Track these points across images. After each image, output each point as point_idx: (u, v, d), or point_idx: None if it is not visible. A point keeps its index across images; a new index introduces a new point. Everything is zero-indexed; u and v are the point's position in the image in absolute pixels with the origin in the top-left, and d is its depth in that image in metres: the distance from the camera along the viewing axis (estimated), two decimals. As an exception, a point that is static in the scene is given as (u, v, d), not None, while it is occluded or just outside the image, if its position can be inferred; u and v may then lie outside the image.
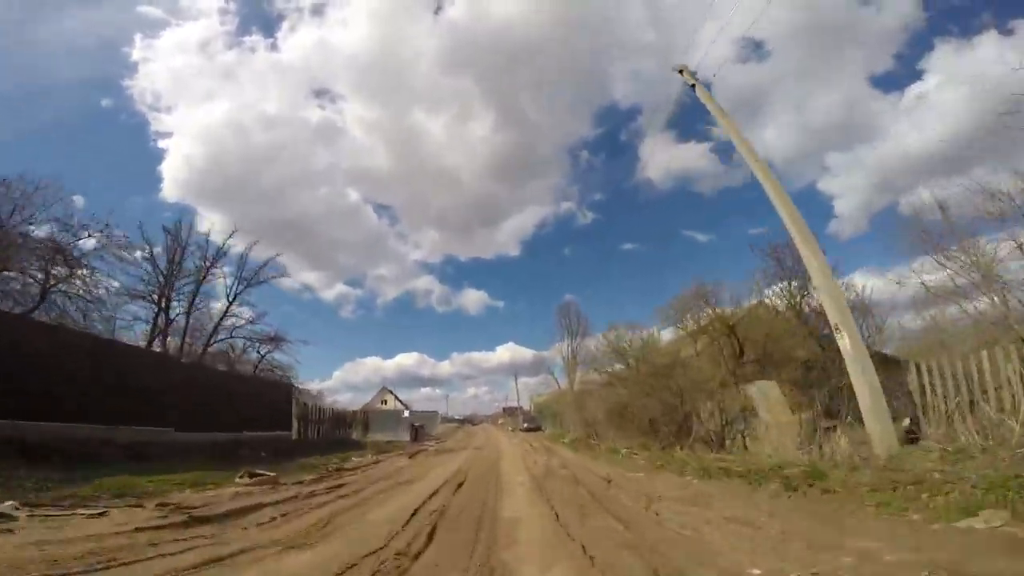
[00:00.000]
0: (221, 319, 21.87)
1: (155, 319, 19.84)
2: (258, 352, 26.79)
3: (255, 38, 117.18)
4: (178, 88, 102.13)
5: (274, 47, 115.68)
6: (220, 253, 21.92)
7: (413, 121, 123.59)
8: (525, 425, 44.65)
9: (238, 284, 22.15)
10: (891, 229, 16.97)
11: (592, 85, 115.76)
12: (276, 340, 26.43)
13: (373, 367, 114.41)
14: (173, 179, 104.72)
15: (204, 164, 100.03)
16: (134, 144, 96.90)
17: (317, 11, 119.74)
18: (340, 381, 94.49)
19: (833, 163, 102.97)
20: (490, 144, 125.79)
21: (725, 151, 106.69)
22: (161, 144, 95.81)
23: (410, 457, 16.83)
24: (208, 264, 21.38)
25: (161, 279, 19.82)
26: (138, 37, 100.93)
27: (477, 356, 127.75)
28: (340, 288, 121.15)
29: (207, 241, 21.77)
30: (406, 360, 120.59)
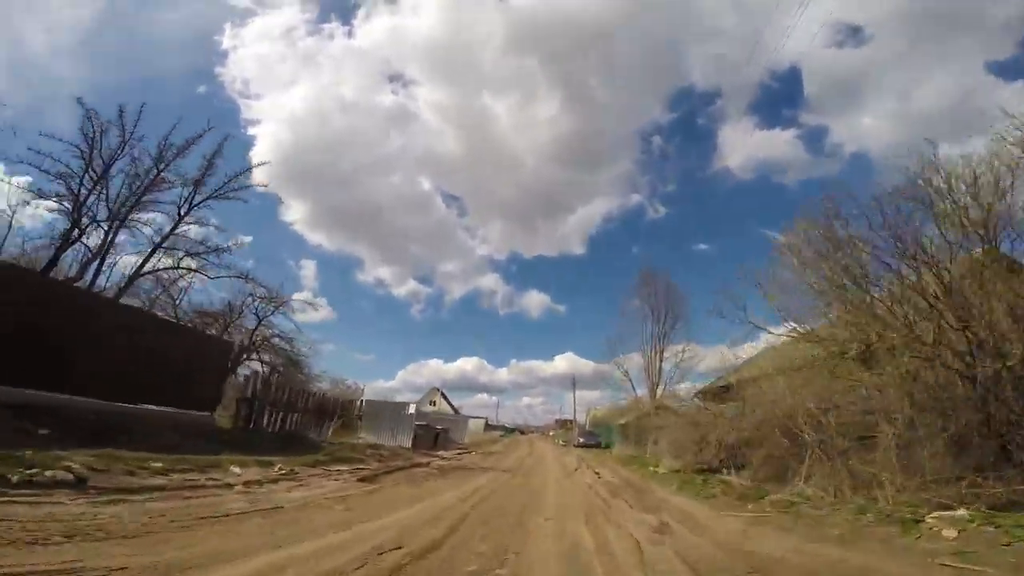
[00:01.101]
0: (163, 240, 15.01)
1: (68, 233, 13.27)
2: (255, 313, 20.24)
3: (333, 25, 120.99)
4: (264, 75, 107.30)
5: (350, 34, 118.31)
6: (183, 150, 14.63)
7: (482, 104, 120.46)
8: (580, 440, 35.18)
9: (195, 191, 15.07)
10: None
11: (666, 66, 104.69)
12: (272, 299, 19.75)
13: (435, 369, 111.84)
14: (262, 166, 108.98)
15: (288, 151, 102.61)
16: (228, 130, 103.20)
17: None
18: (402, 381, 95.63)
19: (945, 156, 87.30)
20: (557, 127, 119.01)
21: (814, 138, 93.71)
22: (251, 131, 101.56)
23: (363, 481, 8.59)
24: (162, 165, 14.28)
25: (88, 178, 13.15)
26: (228, 26, 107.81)
27: (535, 364, 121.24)
28: (411, 285, 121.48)
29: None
30: (466, 364, 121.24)
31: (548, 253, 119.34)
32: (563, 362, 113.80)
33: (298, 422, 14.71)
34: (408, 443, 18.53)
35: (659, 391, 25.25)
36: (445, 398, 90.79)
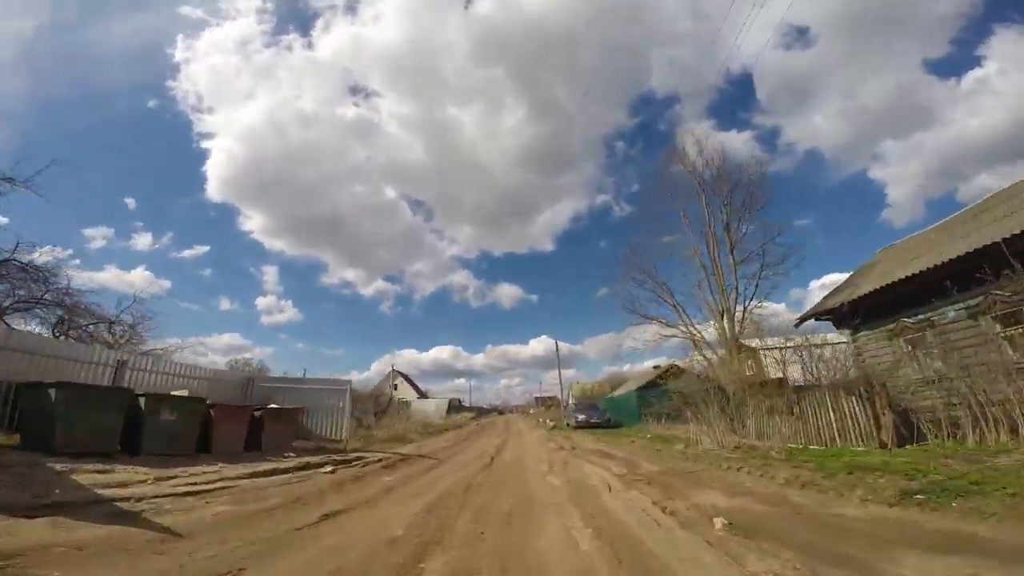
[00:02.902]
0: None
1: None
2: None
3: (291, 36, 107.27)
4: (219, 88, 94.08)
5: (309, 45, 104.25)
6: None
7: (446, 114, 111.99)
8: (579, 418, 24.33)
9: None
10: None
11: (628, 73, 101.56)
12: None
13: (410, 359, 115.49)
14: (217, 178, 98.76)
15: (245, 163, 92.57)
16: (179, 145, 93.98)
17: (350, 8, 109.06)
18: (377, 372, 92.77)
19: (886, 150, 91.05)
20: (523, 135, 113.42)
21: (769, 138, 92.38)
22: (204, 145, 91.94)
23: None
24: None
25: None
26: (180, 38, 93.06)
27: (511, 349, 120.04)
28: (378, 284, 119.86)
29: None
30: (441, 353, 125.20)
31: (518, 250, 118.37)
32: (539, 345, 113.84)
33: None
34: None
35: (738, 320, 14.87)
36: (409, 381, 79.90)
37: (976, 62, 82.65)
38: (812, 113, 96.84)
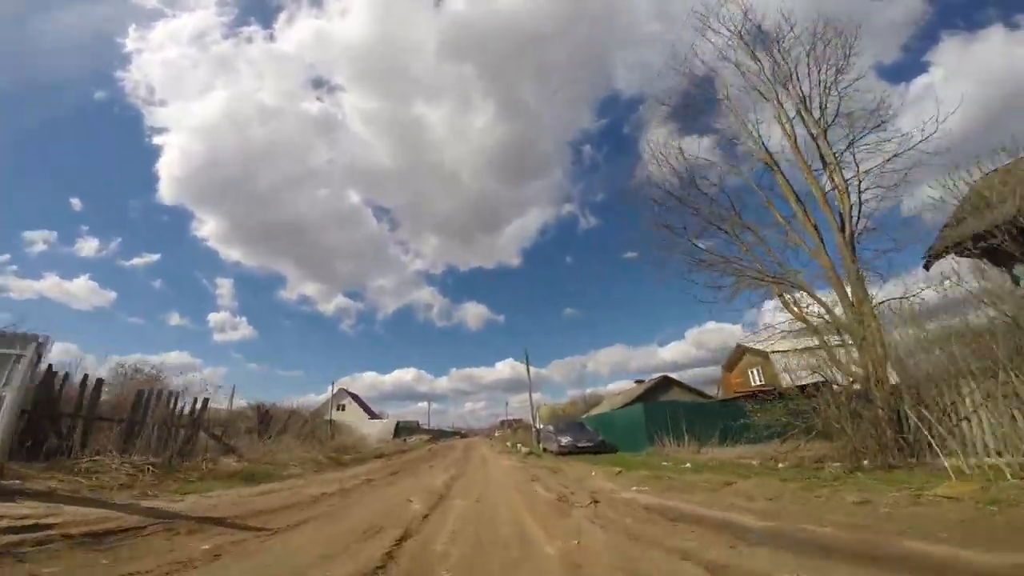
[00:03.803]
0: None
1: None
2: None
3: (252, 28, 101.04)
4: (173, 80, 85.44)
5: (271, 37, 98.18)
6: None
7: (413, 113, 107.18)
8: (564, 441, 17.06)
9: None
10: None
11: (594, 74, 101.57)
12: None
13: (370, 382, 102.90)
14: (170, 178, 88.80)
15: (200, 162, 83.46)
16: (129, 140, 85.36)
17: (315, 1, 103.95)
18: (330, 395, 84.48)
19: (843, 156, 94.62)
20: (491, 136, 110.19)
21: (730, 145, 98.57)
22: (156, 140, 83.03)
23: None
24: None
25: None
26: (132, 28, 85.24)
27: (476, 372, 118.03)
28: (339, 300, 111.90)
29: None
30: (404, 375, 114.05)
31: (485, 265, 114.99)
32: (505, 367, 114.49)
33: None
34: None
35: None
36: (358, 401, 70.44)
37: (923, 68, 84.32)
38: (771, 119, 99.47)
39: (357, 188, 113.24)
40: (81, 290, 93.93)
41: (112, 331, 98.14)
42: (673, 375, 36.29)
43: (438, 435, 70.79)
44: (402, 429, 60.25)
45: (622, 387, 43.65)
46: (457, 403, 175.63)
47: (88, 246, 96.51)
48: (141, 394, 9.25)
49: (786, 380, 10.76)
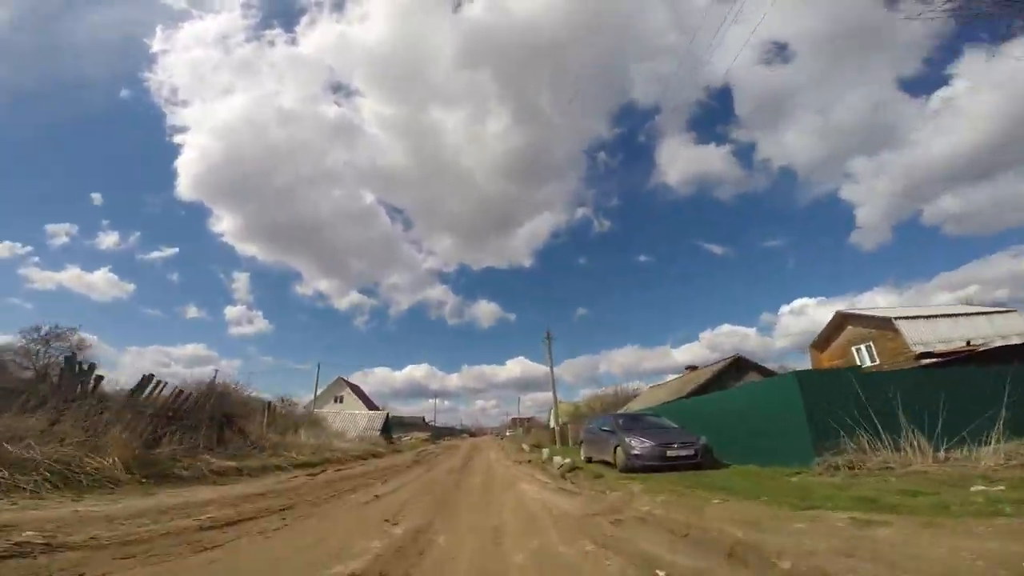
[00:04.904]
0: None
1: None
2: None
3: (275, 31, 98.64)
4: (195, 81, 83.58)
5: (293, 41, 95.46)
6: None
7: (430, 118, 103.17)
8: (638, 448, 9.62)
9: None
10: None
11: (611, 83, 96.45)
12: None
13: (382, 378, 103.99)
14: (189, 175, 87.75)
15: (219, 160, 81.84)
16: (151, 138, 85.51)
17: (337, 6, 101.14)
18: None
19: (857, 169, 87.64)
20: (506, 141, 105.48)
21: (745, 153, 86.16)
22: (177, 139, 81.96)
23: None
24: None
25: None
26: (159, 28, 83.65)
27: (487, 369, 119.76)
28: (353, 296, 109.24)
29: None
30: (416, 372, 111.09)
31: (497, 265, 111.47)
32: (516, 365, 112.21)
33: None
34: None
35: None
36: (358, 393, 63.71)
37: (945, 81, 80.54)
38: (787, 129, 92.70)
39: (372, 188, 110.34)
40: (101, 282, 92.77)
41: (131, 322, 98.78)
42: (746, 356, 27.77)
43: (439, 433, 64.03)
44: (395, 425, 53.23)
45: (663, 384, 35.48)
46: (468, 401, 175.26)
47: (108, 239, 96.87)
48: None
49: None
